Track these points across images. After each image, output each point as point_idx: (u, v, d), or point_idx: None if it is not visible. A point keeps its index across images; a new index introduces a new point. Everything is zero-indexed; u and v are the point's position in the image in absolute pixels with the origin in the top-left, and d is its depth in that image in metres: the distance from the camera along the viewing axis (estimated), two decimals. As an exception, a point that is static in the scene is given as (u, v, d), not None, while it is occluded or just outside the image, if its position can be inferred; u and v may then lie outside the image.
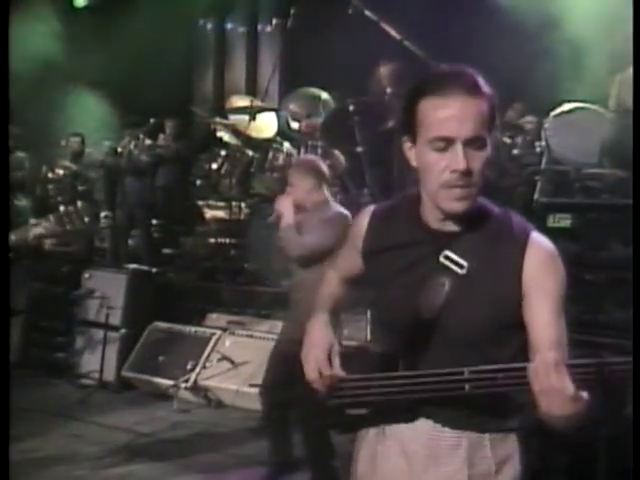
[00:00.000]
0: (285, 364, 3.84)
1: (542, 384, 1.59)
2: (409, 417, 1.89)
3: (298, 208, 4.12)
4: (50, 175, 7.96)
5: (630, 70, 6.07)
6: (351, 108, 6.85)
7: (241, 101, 8.20)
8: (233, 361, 5.59)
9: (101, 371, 6.01)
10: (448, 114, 1.72)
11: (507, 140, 6.57)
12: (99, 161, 8.12)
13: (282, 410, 4.16)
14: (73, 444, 4.86)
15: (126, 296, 6.20)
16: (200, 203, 7.08)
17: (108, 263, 6.82)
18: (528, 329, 1.79)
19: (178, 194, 7.56)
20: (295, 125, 7.84)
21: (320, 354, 1.94)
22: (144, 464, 4.59)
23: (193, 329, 6.09)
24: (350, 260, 2.06)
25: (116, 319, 6.14)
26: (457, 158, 1.72)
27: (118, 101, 9.37)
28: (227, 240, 6.74)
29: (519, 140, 6.57)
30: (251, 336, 5.82)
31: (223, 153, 7.10)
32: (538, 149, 6.19)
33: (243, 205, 6.93)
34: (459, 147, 1.72)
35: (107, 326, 6.09)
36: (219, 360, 5.59)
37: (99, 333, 6.14)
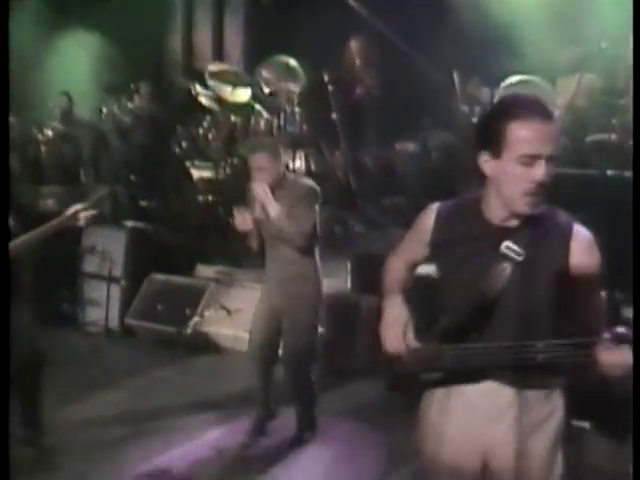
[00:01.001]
0: (269, 325, 4.43)
1: (614, 357, 2.07)
2: (476, 379, 2.31)
3: (271, 189, 4.34)
4: (40, 137, 8.41)
5: (589, 77, 6.89)
6: (326, 78, 7.53)
7: (218, 67, 8.79)
8: (229, 309, 6.32)
9: (106, 319, 6.70)
10: (535, 136, 2.14)
11: (466, 110, 7.36)
12: (86, 121, 8.64)
13: (269, 367, 4.55)
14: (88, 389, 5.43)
15: (126, 251, 6.85)
16: (187, 164, 7.65)
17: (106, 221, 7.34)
18: (579, 307, 2.27)
19: (162, 155, 8.09)
20: (266, 91, 8.46)
21: (399, 329, 2.36)
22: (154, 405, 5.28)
23: (188, 280, 6.80)
24: (416, 250, 2.50)
25: (117, 272, 6.81)
26: (541, 172, 2.14)
27: (101, 63, 9.81)
28: (215, 198, 7.37)
29: (477, 110, 7.34)
30: (243, 286, 6.56)
31: (208, 119, 7.68)
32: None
33: (228, 166, 7.54)
34: (543, 163, 2.15)
35: (110, 278, 6.75)
36: (216, 309, 6.30)
37: (102, 285, 6.79)
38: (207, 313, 6.33)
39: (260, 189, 4.29)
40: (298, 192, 4.35)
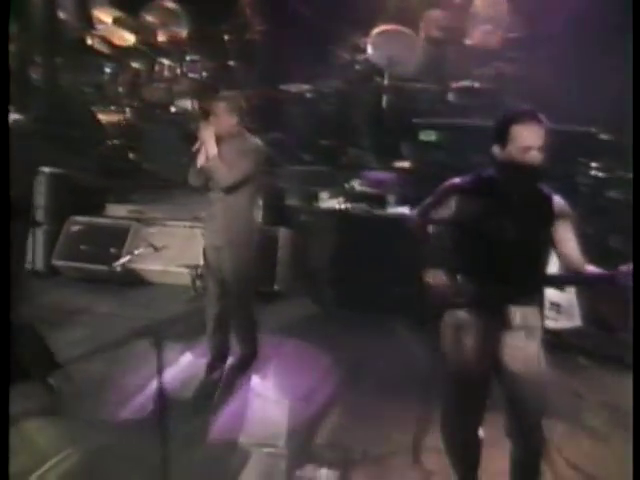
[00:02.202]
0: (214, 270, 4.96)
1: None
2: (493, 306, 3.23)
3: (218, 138, 4.73)
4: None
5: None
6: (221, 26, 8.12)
7: (106, 14, 9.10)
8: (155, 247, 6.95)
9: (33, 261, 7.14)
10: (530, 134, 3.12)
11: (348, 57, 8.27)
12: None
13: (221, 299, 5.03)
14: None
15: (46, 196, 7.25)
16: (94, 109, 8.02)
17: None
18: (562, 249, 3.24)
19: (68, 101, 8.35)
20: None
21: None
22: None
23: (109, 220, 7.34)
24: (441, 213, 3.36)
25: (39, 217, 7.22)
26: (533, 158, 3.13)
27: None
28: (123, 142, 7.86)
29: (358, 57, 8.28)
30: (163, 224, 7.20)
31: (110, 65, 8.08)
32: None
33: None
34: (535, 152, 3.13)
35: (33, 223, 7.16)
36: (145, 247, 6.91)
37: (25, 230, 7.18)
38: (136, 251, 6.92)
39: (206, 131, 4.76)
40: (243, 147, 4.85)
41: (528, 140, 3.12)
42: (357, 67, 8.17)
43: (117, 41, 9.02)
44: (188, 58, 8.10)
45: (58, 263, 7.19)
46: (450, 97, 7.43)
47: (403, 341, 5.51)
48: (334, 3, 8.33)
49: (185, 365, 5.33)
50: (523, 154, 3.13)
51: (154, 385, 3.51)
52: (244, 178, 4.83)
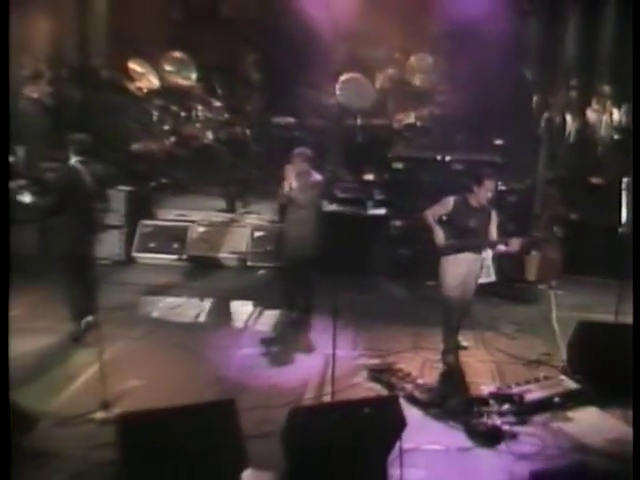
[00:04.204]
0: (294, 252, 7.98)
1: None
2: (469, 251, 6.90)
3: (297, 174, 7.78)
4: None
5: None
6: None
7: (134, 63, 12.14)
8: (208, 240, 10.13)
9: (119, 254, 10.17)
10: (491, 184, 6.83)
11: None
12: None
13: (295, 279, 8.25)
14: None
15: (125, 207, 10.26)
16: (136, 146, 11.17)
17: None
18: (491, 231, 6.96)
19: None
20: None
21: (441, 236, 6.88)
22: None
23: (171, 223, 10.43)
24: (441, 212, 6.90)
25: (118, 221, 10.21)
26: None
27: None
28: (167, 166, 11.02)
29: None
30: (211, 224, 10.37)
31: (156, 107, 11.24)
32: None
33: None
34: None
35: (116, 226, 10.17)
36: (201, 241, 10.10)
37: (112, 231, 10.15)
38: (194, 244, 10.09)
39: (289, 171, 7.77)
40: (312, 180, 7.94)
41: (490, 188, 6.74)
42: (330, 107, 11.51)
43: (144, 84, 12.12)
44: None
45: (136, 255, 10.25)
46: (404, 132, 10.92)
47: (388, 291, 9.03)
48: (310, 57, 11.60)
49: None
50: (486, 194, 6.73)
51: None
52: (312, 199, 8.05)
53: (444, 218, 6.88)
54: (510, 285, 9.04)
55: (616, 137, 10.49)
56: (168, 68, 12.27)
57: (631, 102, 9.97)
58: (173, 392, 6.13)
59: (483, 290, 8.44)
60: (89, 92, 12.26)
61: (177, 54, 12.33)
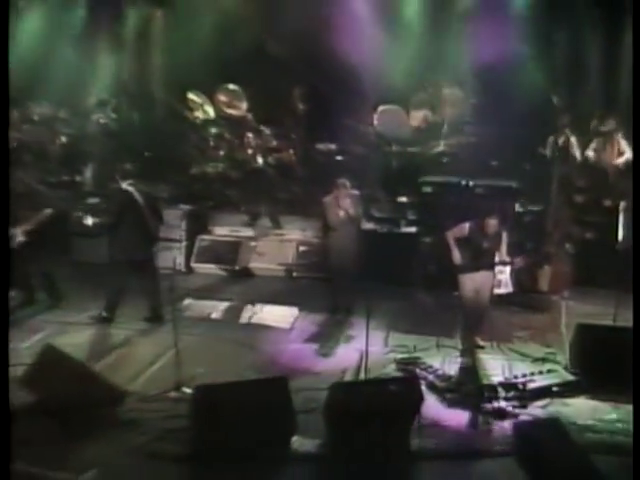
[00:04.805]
0: (340, 261, 9.47)
1: None
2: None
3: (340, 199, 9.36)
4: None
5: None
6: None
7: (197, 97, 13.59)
8: (259, 253, 11.46)
9: (179, 265, 11.53)
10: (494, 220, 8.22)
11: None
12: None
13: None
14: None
15: (186, 224, 11.64)
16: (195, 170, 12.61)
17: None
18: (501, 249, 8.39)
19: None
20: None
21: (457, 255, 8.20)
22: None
23: (226, 238, 11.78)
24: (458, 235, 8.22)
25: (179, 236, 11.58)
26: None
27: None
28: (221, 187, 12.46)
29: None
30: (261, 239, 11.70)
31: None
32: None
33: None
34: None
35: (177, 240, 11.54)
36: (251, 254, 11.43)
37: (174, 244, 11.52)
38: (246, 256, 11.43)
39: (329, 199, 9.42)
40: (351, 203, 9.45)
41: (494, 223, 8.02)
42: (368, 135, 12.81)
43: (201, 114, 13.56)
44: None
45: (194, 265, 11.61)
46: (435, 159, 12.17)
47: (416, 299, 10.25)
48: (350, 90, 12.89)
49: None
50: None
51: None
52: (352, 219, 9.46)
53: (461, 241, 8.11)
54: (526, 295, 10.16)
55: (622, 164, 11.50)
56: (222, 99, 13.70)
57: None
58: (233, 378, 7.37)
59: (502, 299, 9.70)
60: (153, 120, 13.81)
61: (231, 86, 13.76)
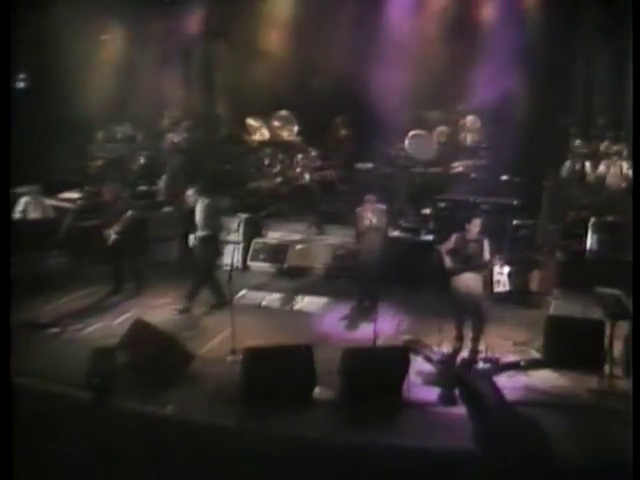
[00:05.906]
0: (368, 261, 11.75)
1: None
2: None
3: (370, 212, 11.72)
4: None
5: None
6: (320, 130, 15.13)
7: (255, 122, 16.07)
8: (307, 253, 13.80)
9: (237, 263, 13.94)
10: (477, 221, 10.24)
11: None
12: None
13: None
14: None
15: (243, 229, 14.06)
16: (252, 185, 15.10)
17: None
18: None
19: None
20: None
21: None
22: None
23: (276, 241, 14.16)
24: (448, 245, 10.19)
25: (237, 239, 13.99)
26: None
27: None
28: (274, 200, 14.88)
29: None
30: (306, 242, 14.04)
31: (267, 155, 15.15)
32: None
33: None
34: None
35: (236, 242, 13.96)
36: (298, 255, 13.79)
37: (234, 246, 13.91)
38: (293, 257, 13.79)
39: (365, 210, 11.63)
40: (379, 215, 11.77)
41: (477, 225, 10.05)
42: (398, 156, 15.08)
43: (258, 137, 16.04)
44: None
45: (250, 263, 14.03)
46: (454, 178, 14.39)
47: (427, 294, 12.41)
48: (384, 118, 15.14)
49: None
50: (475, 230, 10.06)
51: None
52: (381, 228, 11.65)
53: (450, 250, 10.19)
54: (521, 294, 12.24)
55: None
56: (276, 124, 16.16)
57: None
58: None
59: (500, 297, 11.79)
60: (217, 141, 16.37)
61: (283, 113, 16.21)
